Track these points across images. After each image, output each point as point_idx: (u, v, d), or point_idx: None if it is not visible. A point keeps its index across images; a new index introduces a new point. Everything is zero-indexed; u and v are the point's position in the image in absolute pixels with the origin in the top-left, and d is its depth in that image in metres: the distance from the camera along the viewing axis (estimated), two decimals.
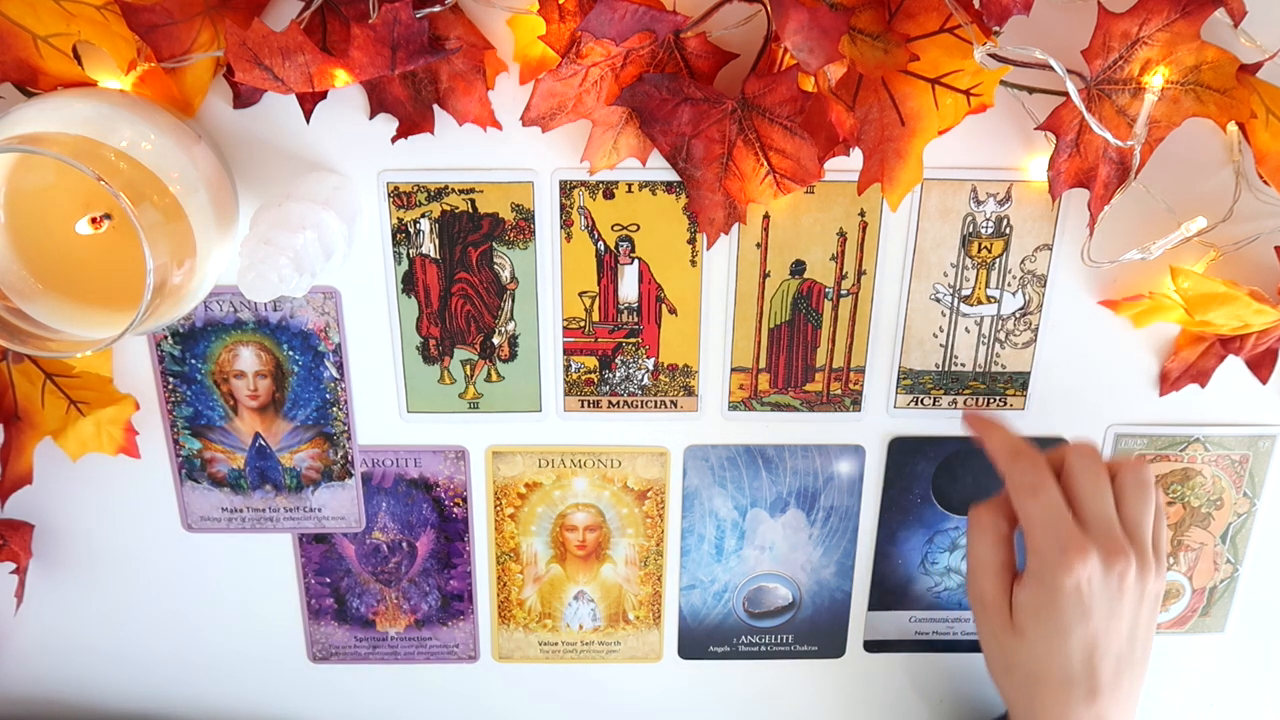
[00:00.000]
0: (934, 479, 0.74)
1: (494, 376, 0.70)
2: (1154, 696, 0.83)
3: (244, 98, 0.61)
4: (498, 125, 0.61)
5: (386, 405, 0.71)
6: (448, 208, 0.65)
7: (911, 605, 0.79)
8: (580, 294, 0.68)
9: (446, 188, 0.65)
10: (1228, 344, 0.68)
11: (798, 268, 0.67)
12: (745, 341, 0.69)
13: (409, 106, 0.60)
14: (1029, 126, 0.62)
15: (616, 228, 0.66)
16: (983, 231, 0.66)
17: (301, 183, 0.62)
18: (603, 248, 0.66)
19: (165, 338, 0.68)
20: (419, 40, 0.55)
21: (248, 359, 0.69)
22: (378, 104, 0.61)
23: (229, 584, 0.76)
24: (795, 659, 0.80)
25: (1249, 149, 0.62)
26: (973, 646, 0.80)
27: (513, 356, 0.69)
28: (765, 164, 0.59)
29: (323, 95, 0.61)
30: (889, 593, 0.78)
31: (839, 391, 0.71)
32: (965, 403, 0.71)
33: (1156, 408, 0.72)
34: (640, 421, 0.71)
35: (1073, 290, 0.68)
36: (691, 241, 0.66)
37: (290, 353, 0.69)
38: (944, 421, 0.72)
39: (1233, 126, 0.62)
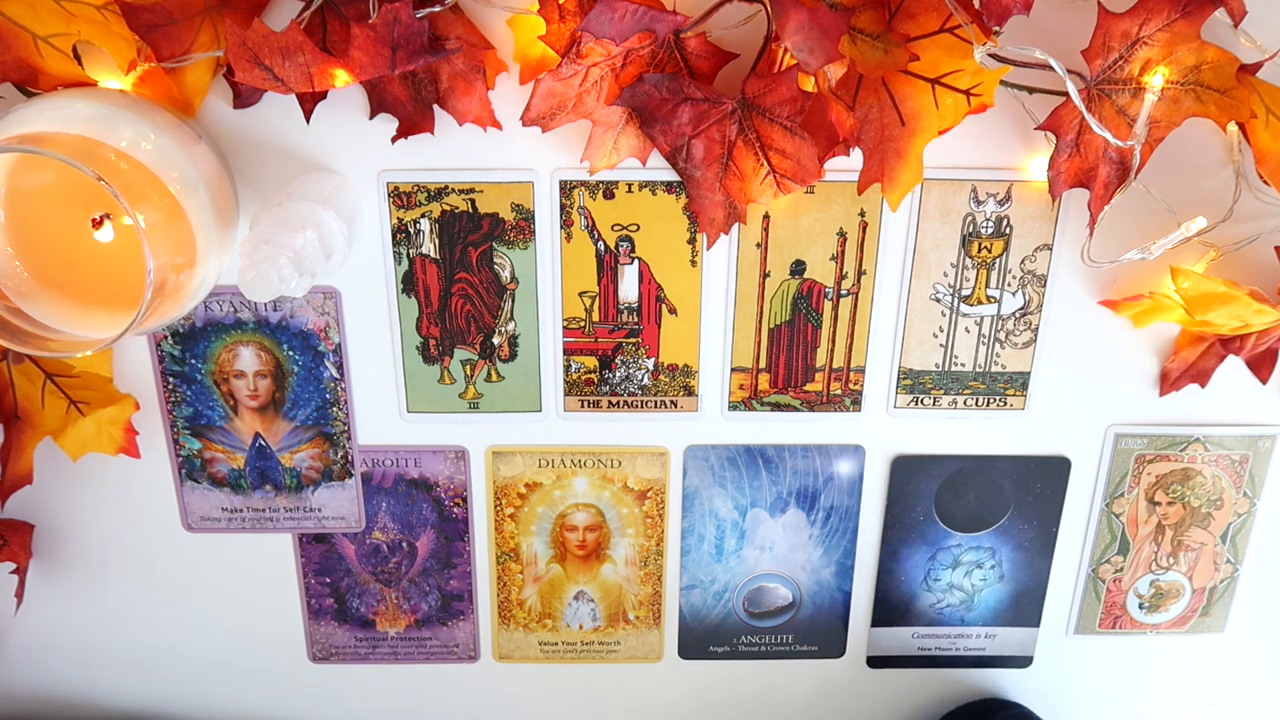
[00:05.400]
0: (936, 496, 0.74)
1: (494, 376, 0.70)
2: (1154, 696, 0.83)
3: (244, 98, 0.61)
4: (498, 125, 0.61)
5: (386, 405, 0.71)
6: (448, 208, 0.65)
7: (914, 622, 0.79)
8: (580, 294, 0.68)
9: (446, 188, 0.64)
10: (1228, 344, 0.68)
11: (798, 268, 0.67)
12: (745, 341, 0.69)
13: (409, 106, 0.60)
14: (1029, 126, 0.62)
15: (616, 228, 0.66)
16: (983, 231, 0.66)
17: (301, 183, 0.62)
18: (603, 248, 0.66)
19: (165, 338, 0.68)
20: (419, 40, 0.55)
21: (248, 359, 0.69)
22: (378, 104, 0.60)
23: (229, 584, 0.76)
24: (795, 659, 0.80)
25: (1249, 149, 0.62)
26: (974, 663, 0.80)
27: (513, 356, 0.69)
28: (765, 164, 0.59)
29: (323, 95, 0.61)
30: (892, 609, 0.78)
31: (839, 391, 0.71)
32: (965, 403, 0.71)
33: (1156, 408, 0.72)
34: (640, 421, 0.71)
35: (1073, 290, 0.68)
36: (691, 241, 0.66)
37: (290, 353, 0.69)
38: (946, 435, 0.72)
39: (1233, 126, 0.62)
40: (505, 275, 0.67)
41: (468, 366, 0.69)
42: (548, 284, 0.67)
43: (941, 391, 0.71)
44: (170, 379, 0.69)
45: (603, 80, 0.58)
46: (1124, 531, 0.76)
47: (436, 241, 0.66)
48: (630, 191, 0.65)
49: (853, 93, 0.58)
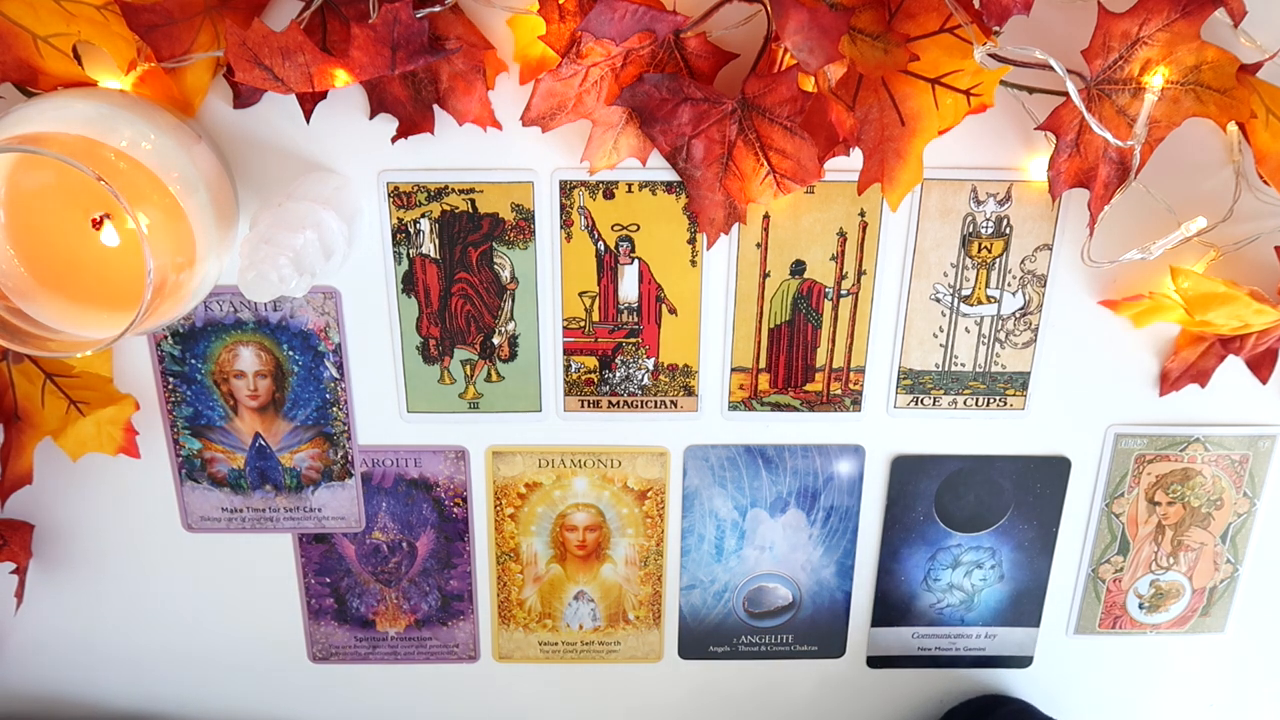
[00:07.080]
0: (936, 496, 0.74)
1: (494, 376, 0.70)
2: (1154, 696, 0.83)
3: (244, 98, 0.61)
4: (498, 125, 0.61)
5: (386, 405, 0.71)
6: (448, 208, 0.65)
7: (914, 622, 0.79)
8: (580, 294, 0.68)
9: (446, 188, 0.65)
10: (1228, 344, 0.68)
11: (798, 268, 0.67)
12: (745, 341, 0.69)
13: (409, 106, 0.60)
14: (1029, 126, 0.62)
15: (616, 228, 0.66)
16: (983, 231, 0.66)
17: (301, 183, 0.62)
18: (603, 248, 0.66)
19: (165, 338, 0.68)
20: (419, 40, 0.55)
21: (248, 359, 0.69)
22: (378, 104, 0.60)
23: (229, 584, 0.76)
24: (795, 659, 0.80)
25: (1249, 149, 0.62)
26: (974, 663, 0.80)
27: (513, 356, 0.69)
28: (765, 164, 0.59)
29: (323, 95, 0.61)
30: (892, 609, 0.78)
31: (839, 391, 0.71)
32: (965, 403, 0.71)
33: (1156, 408, 0.72)
34: (640, 421, 0.71)
35: (1073, 290, 0.68)
36: (691, 241, 0.66)
37: (290, 353, 0.69)
38: (946, 435, 0.72)
39: (1233, 126, 0.62)
40: (505, 275, 0.67)
41: (468, 366, 0.69)
42: (548, 284, 0.67)
43: (941, 391, 0.71)
44: (170, 379, 0.69)
45: (603, 80, 0.58)
46: (1124, 531, 0.76)
47: (436, 241, 0.66)
48: (630, 191, 0.65)
49: (853, 93, 0.58)
